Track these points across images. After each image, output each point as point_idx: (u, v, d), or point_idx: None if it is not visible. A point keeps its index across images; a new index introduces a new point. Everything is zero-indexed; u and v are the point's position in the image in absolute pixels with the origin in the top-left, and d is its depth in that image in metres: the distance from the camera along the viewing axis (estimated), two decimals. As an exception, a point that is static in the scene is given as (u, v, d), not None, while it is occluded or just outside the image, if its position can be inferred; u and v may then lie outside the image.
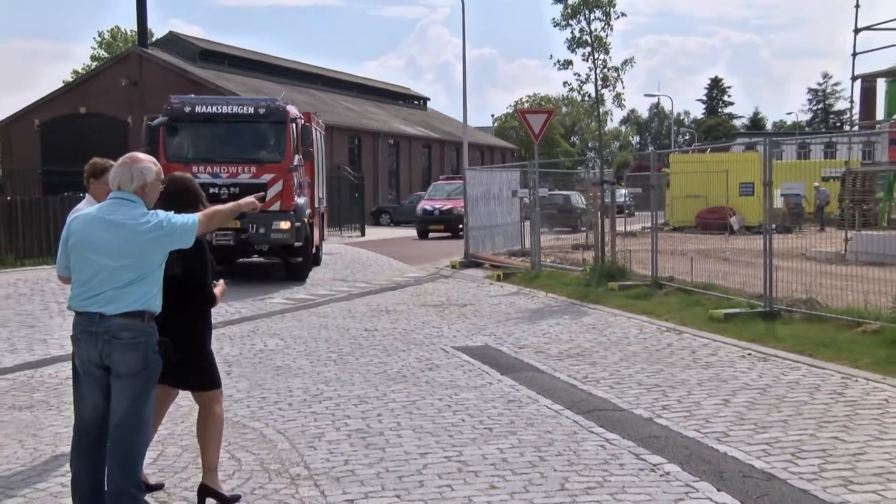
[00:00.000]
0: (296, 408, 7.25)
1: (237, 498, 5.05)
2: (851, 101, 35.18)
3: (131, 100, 43.77)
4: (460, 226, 30.54)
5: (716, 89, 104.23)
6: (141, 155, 4.74)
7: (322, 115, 27.77)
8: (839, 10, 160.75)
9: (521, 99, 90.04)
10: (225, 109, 16.46)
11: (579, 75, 17.91)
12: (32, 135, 45.23)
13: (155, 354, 4.55)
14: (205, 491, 4.97)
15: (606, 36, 17.39)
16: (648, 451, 5.88)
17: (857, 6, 29.06)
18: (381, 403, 7.33)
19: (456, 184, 34.44)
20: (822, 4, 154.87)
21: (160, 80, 42.88)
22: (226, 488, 5.11)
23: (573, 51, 17.61)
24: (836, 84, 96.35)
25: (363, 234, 33.92)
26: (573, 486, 5.20)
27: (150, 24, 50.19)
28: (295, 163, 16.27)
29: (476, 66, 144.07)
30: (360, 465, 5.68)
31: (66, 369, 8.43)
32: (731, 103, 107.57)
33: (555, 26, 17.65)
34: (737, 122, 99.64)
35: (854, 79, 30.83)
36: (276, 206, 15.79)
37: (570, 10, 17.29)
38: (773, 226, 12.27)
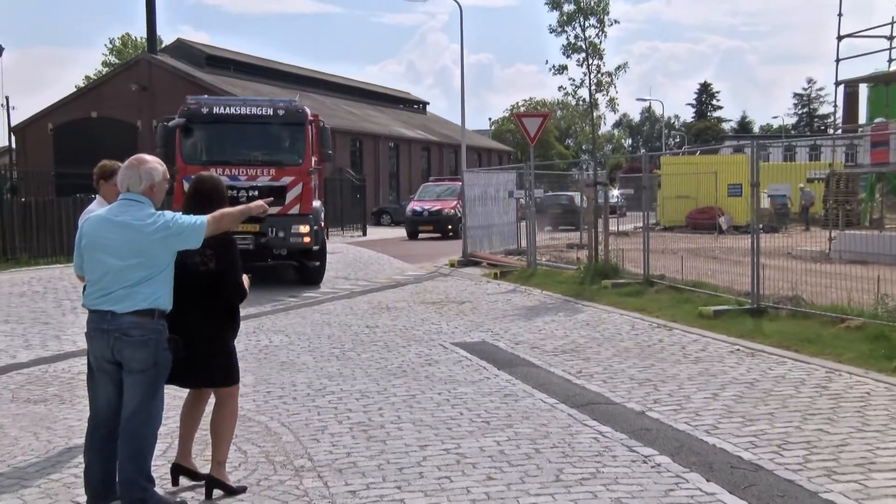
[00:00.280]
0: (300, 402, 7.25)
1: (243, 489, 5.04)
2: (835, 106, 35.16)
3: (141, 104, 43.81)
4: (449, 227, 30.51)
5: (705, 94, 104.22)
6: (147, 156, 4.75)
7: (325, 118, 27.70)
8: (822, 17, 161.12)
9: (517, 103, 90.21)
10: (243, 111, 15.51)
11: (574, 80, 17.91)
12: (46, 138, 45.26)
13: (164, 351, 4.55)
14: (212, 482, 4.96)
15: (600, 42, 17.40)
16: (640, 443, 5.88)
17: (840, 14, 29.09)
18: (382, 398, 7.33)
19: (445, 185, 34.11)
20: (806, 12, 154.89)
21: (168, 85, 42.94)
22: (232, 479, 5.10)
23: (568, 56, 17.61)
24: (821, 89, 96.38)
25: (365, 233, 33.90)
26: (567, 477, 5.21)
27: (159, 32, 50.30)
28: (313, 166, 15.62)
29: (473, 71, 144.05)
30: (361, 457, 5.68)
31: (79, 364, 8.44)
32: (720, 107, 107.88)
33: (551, 32, 17.66)
34: (725, 126, 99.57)
35: (837, 84, 30.77)
36: (295, 210, 15.06)
37: (565, 17, 17.29)
38: (760, 225, 12.27)
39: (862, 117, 31.62)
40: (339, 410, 6.92)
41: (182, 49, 49.45)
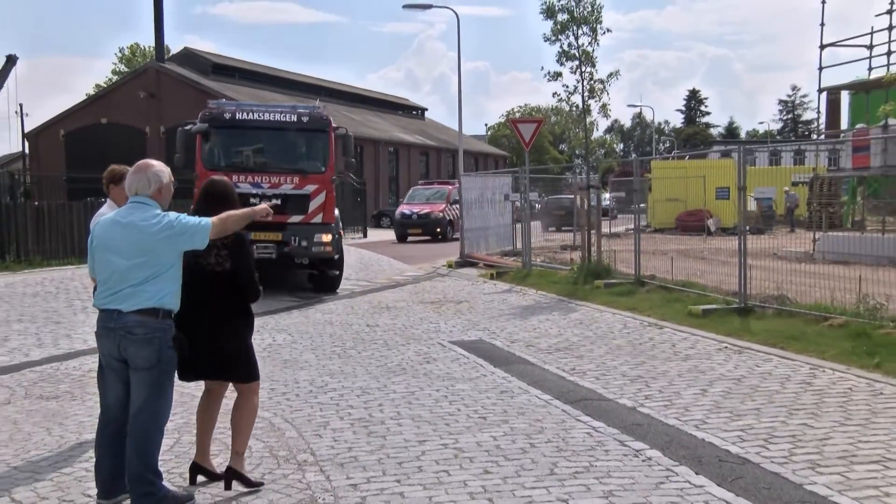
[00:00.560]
0: (302, 398, 7.24)
1: (261, 483, 5.00)
2: (818, 112, 35.31)
3: (149, 111, 43.79)
4: (438, 229, 29.99)
5: (693, 100, 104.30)
6: (153, 161, 4.75)
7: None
8: (806, 27, 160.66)
9: (512, 109, 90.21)
10: (267, 116, 14.57)
11: (568, 87, 17.86)
12: (58, 144, 45.24)
13: (169, 350, 4.54)
14: (231, 473, 4.92)
15: (593, 50, 17.32)
16: (632, 437, 5.88)
17: (823, 24, 29.24)
18: (382, 394, 7.32)
19: (434, 188, 33.50)
20: (790, 22, 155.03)
21: (175, 93, 42.95)
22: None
23: (562, 64, 17.54)
24: (804, 96, 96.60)
25: (365, 235, 33.87)
26: (562, 471, 5.20)
27: (167, 41, 50.11)
28: (336, 173, 14.68)
29: (470, 78, 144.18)
30: (362, 451, 5.67)
31: (89, 362, 8.43)
32: (708, 113, 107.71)
33: (545, 41, 17.58)
34: (713, 131, 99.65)
35: (820, 91, 30.91)
36: (318, 219, 14.37)
37: (559, 26, 17.24)
38: (747, 227, 12.28)
39: (844, 123, 31.73)
40: (340, 407, 6.91)
41: (189, 57, 49.40)
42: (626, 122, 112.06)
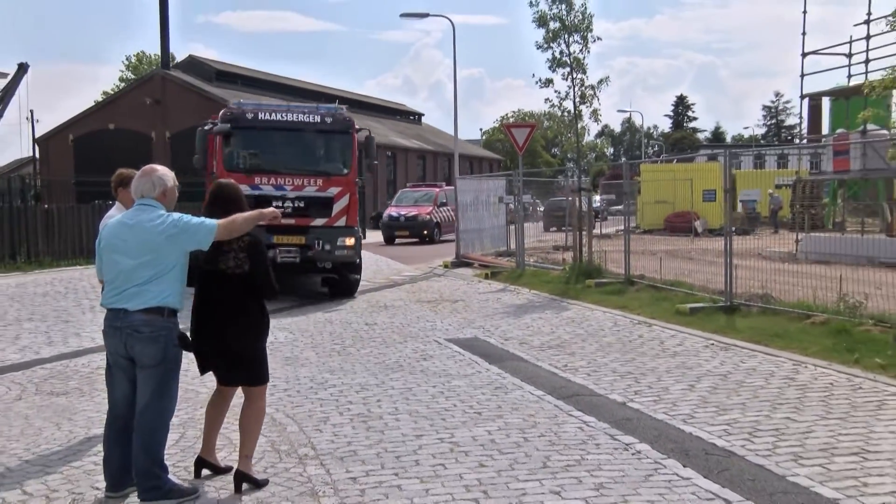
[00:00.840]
0: (303, 394, 7.23)
1: (266, 482, 4.95)
2: (800, 117, 35.29)
3: (154, 117, 43.71)
4: (425, 231, 29.51)
5: (681, 106, 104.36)
6: (157, 166, 4.75)
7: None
8: (789, 36, 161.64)
9: (506, 114, 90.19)
10: (290, 117, 13.72)
11: (559, 93, 17.90)
12: (67, 148, 45.13)
13: (174, 348, 4.54)
14: (241, 476, 4.81)
15: (584, 57, 17.38)
16: (622, 432, 5.88)
17: (804, 33, 29.27)
18: (380, 390, 7.32)
19: (423, 191, 32.93)
20: (774, 30, 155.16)
21: (180, 99, 42.88)
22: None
23: (554, 70, 17.60)
24: (787, 102, 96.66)
25: (364, 236, 33.73)
26: (554, 464, 5.21)
27: (172, 49, 50.03)
28: (359, 176, 14.20)
29: (466, 84, 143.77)
30: (361, 446, 5.67)
31: (98, 360, 8.42)
32: (695, 118, 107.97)
33: (538, 48, 17.65)
34: (700, 136, 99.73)
35: (802, 97, 31.00)
36: (341, 222, 13.67)
37: (551, 34, 17.29)
38: (733, 228, 12.30)
39: (825, 128, 31.80)
40: (340, 403, 6.90)
41: (193, 65, 49.32)
42: (617, 127, 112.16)
